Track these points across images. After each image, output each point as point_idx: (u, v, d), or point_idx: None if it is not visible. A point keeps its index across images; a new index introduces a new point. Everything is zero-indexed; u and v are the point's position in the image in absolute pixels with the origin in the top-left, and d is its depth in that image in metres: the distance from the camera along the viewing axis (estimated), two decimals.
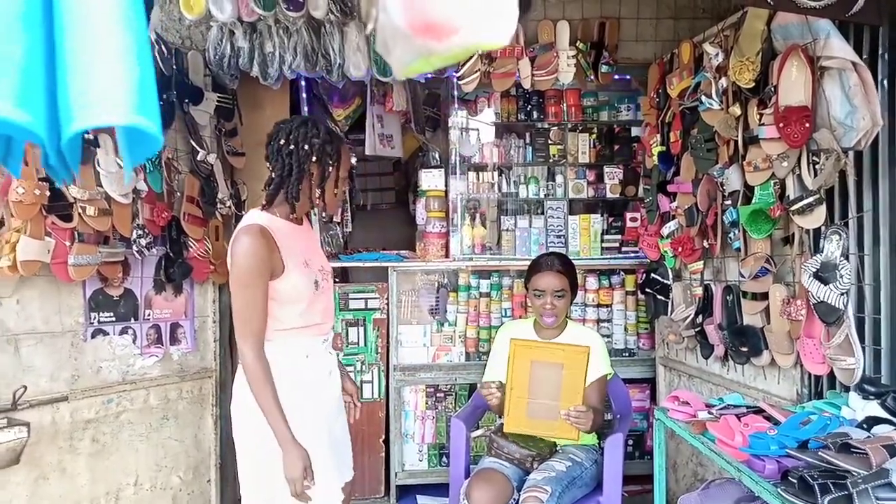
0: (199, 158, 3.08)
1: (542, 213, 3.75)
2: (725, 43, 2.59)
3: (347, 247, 4.21)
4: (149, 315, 2.94)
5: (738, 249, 2.55)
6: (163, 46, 2.90)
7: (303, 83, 3.94)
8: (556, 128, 3.82)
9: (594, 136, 3.84)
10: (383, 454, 3.55)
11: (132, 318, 2.87)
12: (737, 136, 2.51)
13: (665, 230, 3.13)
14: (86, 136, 2.42)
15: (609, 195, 3.79)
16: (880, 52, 2.10)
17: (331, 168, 1.97)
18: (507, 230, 3.73)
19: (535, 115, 3.80)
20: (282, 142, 1.93)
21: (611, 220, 3.77)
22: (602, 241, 3.71)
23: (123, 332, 2.84)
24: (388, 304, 3.55)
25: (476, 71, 3.30)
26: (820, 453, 1.65)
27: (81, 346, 2.68)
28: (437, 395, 3.61)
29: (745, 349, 2.55)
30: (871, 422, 1.85)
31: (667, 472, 2.65)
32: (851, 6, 1.95)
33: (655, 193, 3.24)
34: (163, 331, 3.00)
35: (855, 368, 2.08)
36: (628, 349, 3.66)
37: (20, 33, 0.70)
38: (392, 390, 3.53)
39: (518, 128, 3.91)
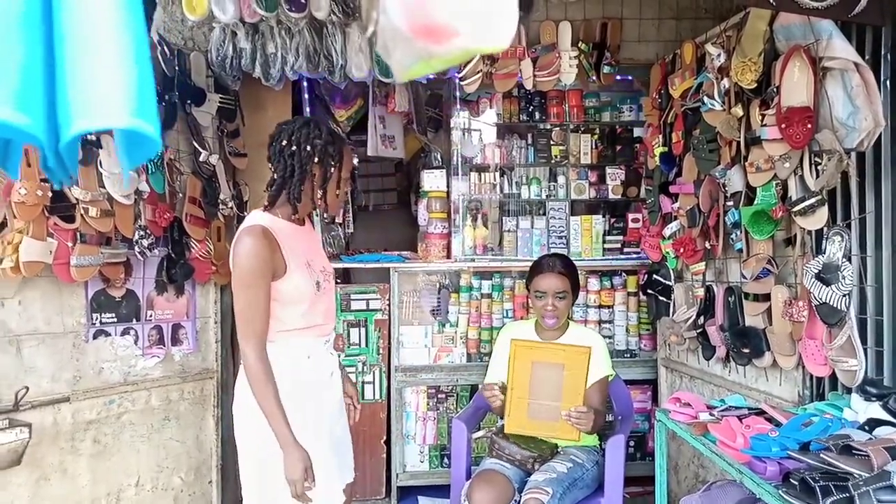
0: (201, 159, 3.08)
1: (544, 214, 3.75)
2: (728, 43, 2.59)
3: (349, 247, 4.21)
4: (150, 316, 2.95)
5: (740, 250, 2.54)
6: (165, 47, 2.91)
7: (305, 84, 3.94)
8: (558, 128, 3.82)
9: (596, 136, 3.84)
10: (384, 455, 3.55)
11: (134, 319, 2.88)
12: (739, 137, 2.51)
13: (667, 231, 3.13)
14: (88, 137, 2.43)
15: (611, 196, 3.79)
16: (883, 52, 2.10)
17: (333, 169, 1.97)
18: (509, 231, 3.73)
19: (536, 115, 3.80)
20: (284, 143, 1.93)
21: (612, 220, 3.77)
22: (604, 242, 3.71)
23: (125, 332, 2.84)
24: (389, 304, 3.55)
25: (478, 72, 3.30)
26: (821, 455, 1.65)
27: (83, 346, 2.69)
28: (439, 396, 3.61)
29: (746, 350, 2.55)
30: (873, 424, 1.84)
31: (668, 473, 2.64)
32: (854, 6, 1.95)
33: (657, 194, 3.24)
34: (164, 332, 3.00)
35: (857, 370, 2.07)
36: (630, 350, 3.66)
37: (20, 37, 0.70)
38: (393, 391, 3.53)
39: (520, 128, 3.91)
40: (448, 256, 3.64)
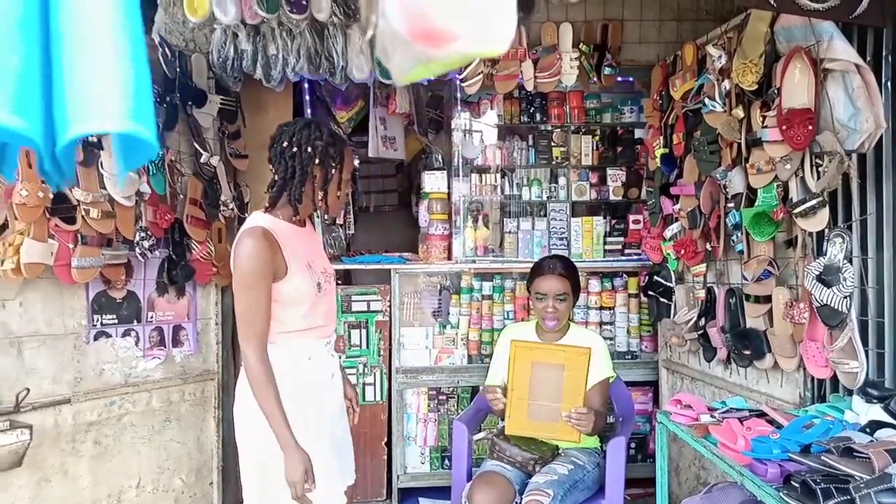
0: (202, 161, 3.08)
1: (545, 216, 3.75)
2: (728, 45, 2.59)
3: (350, 249, 4.21)
4: (151, 317, 2.95)
5: (741, 252, 2.54)
6: (166, 49, 2.91)
7: (306, 85, 3.94)
8: (558, 130, 3.82)
9: (597, 138, 3.84)
10: (385, 457, 3.55)
11: (135, 321, 2.88)
12: (740, 139, 2.51)
13: (668, 232, 3.13)
14: (89, 138, 2.43)
15: (612, 197, 3.79)
16: (884, 54, 2.09)
17: (333, 170, 1.97)
18: (510, 232, 3.73)
19: (537, 117, 3.81)
20: (285, 144, 1.93)
21: (613, 222, 3.77)
22: (605, 243, 3.71)
23: (126, 334, 2.84)
24: (390, 306, 3.55)
25: (479, 73, 3.30)
26: (822, 457, 1.65)
27: (84, 348, 2.69)
28: (440, 397, 3.61)
29: (747, 352, 2.54)
30: (875, 426, 1.84)
31: (669, 475, 2.64)
32: (855, 8, 1.95)
33: (658, 196, 3.24)
34: (165, 333, 3.00)
35: (858, 372, 2.07)
36: (631, 352, 3.65)
37: (17, 41, 0.70)
38: (394, 393, 3.53)
39: (521, 130, 3.91)
40: (449, 258, 3.64)
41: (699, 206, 2.80)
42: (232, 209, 3.25)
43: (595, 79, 3.46)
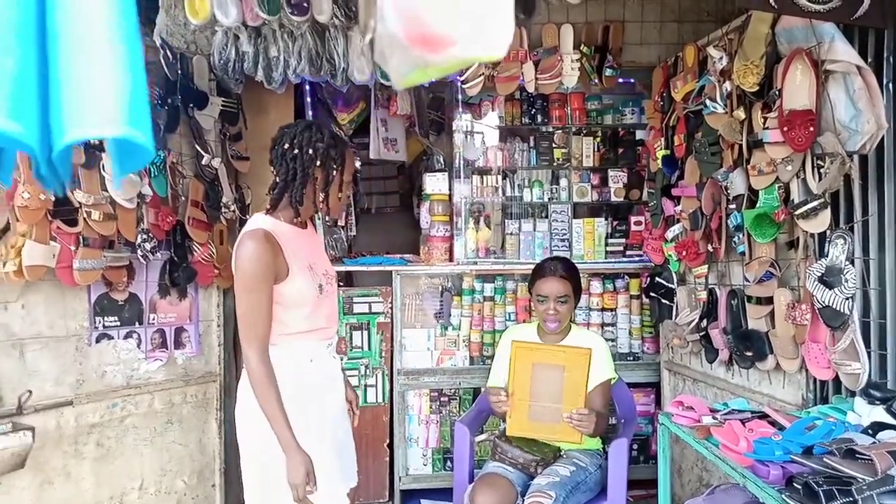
0: (203, 163, 3.08)
1: (547, 217, 3.75)
2: (730, 46, 2.59)
3: (351, 250, 4.21)
4: (153, 319, 2.95)
5: (743, 253, 2.54)
6: (168, 51, 2.91)
7: (307, 87, 3.95)
8: (560, 131, 3.83)
9: (598, 139, 3.84)
10: (387, 459, 3.55)
11: (137, 323, 2.88)
12: (741, 140, 2.50)
13: (669, 234, 3.12)
14: (91, 140, 2.43)
15: (613, 199, 3.79)
16: (885, 55, 2.09)
17: (335, 172, 1.97)
18: (511, 234, 3.73)
19: (539, 118, 3.81)
20: (286, 146, 1.93)
21: (615, 223, 3.77)
22: (606, 244, 3.71)
23: (128, 336, 2.85)
24: (391, 308, 3.55)
25: (480, 75, 3.30)
26: (825, 459, 1.64)
27: (86, 350, 2.69)
28: (441, 399, 3.61)
29: (749, 353, 2.54)
30: (877, 427, 1.84)
31: (672, 476, 2.64)
32: (856, 9, 1.95)
33: (660, 197, 3.23)
34: (167, 335, 3.00)
35: (860, 373, 2.07)
36: (633, 353, 3.65)
37: (13, 45, 0.70)
38: (396, 394, 3.53)
39: (522, 131, 3.91)
40: (450, 259, 3.64)
41: (700, 208, 2.80)
42: (233, 211, 3.25)
43: (596, 80, 3.46)
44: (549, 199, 3.80)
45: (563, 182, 3.80)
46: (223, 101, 3.22)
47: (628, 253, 3.70)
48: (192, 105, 3.03)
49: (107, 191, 2.58)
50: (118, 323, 2.81)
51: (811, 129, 2.14)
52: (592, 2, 3.44)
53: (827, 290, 2.11)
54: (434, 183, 3.72)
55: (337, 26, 2.99)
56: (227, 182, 3.23)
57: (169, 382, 3.00)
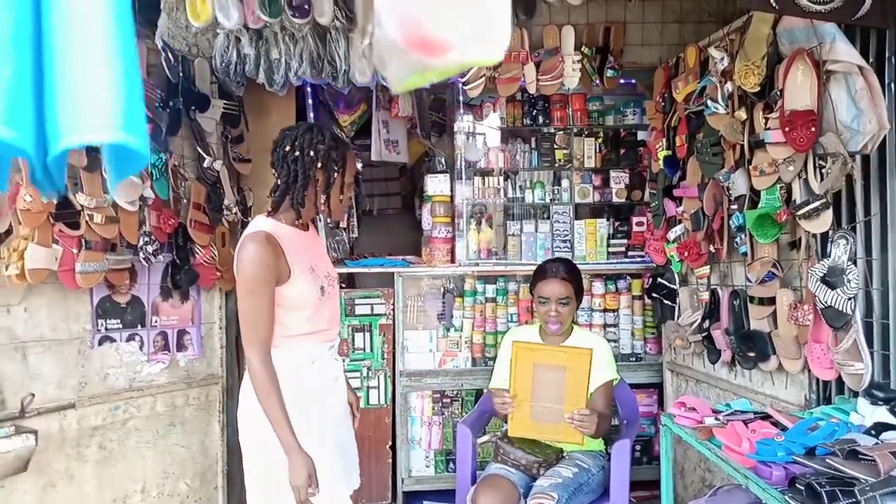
0: (205, 165, 3.09)
1: (548, 218, 3.75)
2: (731, 47, 2.59)
3: (353, 252, 4.21)
4: (155, 322, 2.95)
5: (745, 254, 2.54)
6: (169, 54, 2.92)
7: (308, 89, 3.95)
8: (561, 132, 3.83)
9: (600, 140, 3.84)
10: (390, 460, 3.55)
11: (139, 325, 2.89)
12: (743, 141, 2.50)
13: (671, 234, 3.12)
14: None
15: (615, 199, 3.79)
16: (887, 55, 2.09)
17: (336, 174, 1.97)
18: (513, 235, 3.72)
19: (540, 119, 3.81)
20: (287, 148, 1.93)
21: (617, 224, 3.77)
22: (608, 245, 3.71)
23: (130, 338, 2.85)
24: (394, 309, 3.55)
25: (481, 76, 3.30)
26: (828, 460, 1.64)
27: (88, 353, 2.70)
28: (444, 400, 3.61)
29: (752, 354, 2.53)
30: (880, 428, 1.83)
31: (674, 477, 2.63)
32: (857, 9, 1.94)
33: (661, 198, 3.23)
34: (169, 337, 3.01)
35: (863, 374, 2.06)
36: (635, 354, 3.65)
37: (9, 51, 0.70)
38: (398, 396, 3.53)
39: (523, 132, 3.91)
40: (452, 261, 3.64)
41: (702, 208, 2.80)
42: (235, 213, 3.25)
43: (597, 81, 3.46)
44: (550, 200, 3.79)
45: (565, 183, 3.79)
46: (225, 103, 3.23)
47: (630, 254, 3.70)
48: (193, 107, 3.03)
49: (108, 193, 2.58)
50: (120, 326, 2.81)
51: (813, 129, 2.13)
52: (593, 3, 3.44)
53: (829, 290, 2.11)
54: (436, 184, 3.72)
55: (338, 28, 2.99)
56: (228, 184, 3.24)
57: (171, 385, 3.00)
